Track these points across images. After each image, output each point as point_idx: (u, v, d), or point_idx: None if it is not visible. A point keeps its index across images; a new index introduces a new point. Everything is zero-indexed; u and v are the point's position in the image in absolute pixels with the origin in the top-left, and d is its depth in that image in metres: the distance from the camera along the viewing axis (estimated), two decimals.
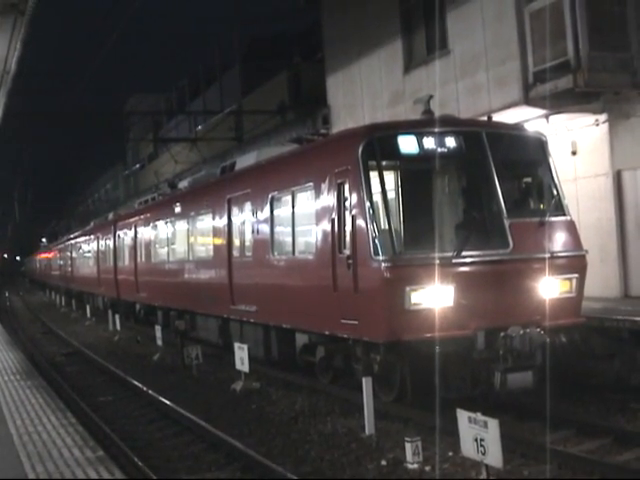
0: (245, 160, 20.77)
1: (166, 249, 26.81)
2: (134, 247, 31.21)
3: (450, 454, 11.06)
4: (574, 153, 20.02)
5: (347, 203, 13.62)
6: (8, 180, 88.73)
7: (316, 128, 30.86)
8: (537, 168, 14.51)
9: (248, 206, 18.48)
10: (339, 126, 27.42)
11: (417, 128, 13.72)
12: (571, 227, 13.99)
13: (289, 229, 16.51)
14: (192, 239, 23.89)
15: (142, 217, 30.75)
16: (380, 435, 12.45)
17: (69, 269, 55.40)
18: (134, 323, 33.07)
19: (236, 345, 17.32)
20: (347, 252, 13.47)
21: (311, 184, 15.15)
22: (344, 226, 13.71)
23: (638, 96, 18.97)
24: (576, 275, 13.54)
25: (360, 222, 13.08)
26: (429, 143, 13.37)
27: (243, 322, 19.12)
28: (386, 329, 12.64)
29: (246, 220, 18.68)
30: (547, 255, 13.11)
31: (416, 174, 14.29)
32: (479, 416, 9.47)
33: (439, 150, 13.37)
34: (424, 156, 13.44)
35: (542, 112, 19.35)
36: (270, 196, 17.16)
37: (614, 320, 15.16)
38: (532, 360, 12.71)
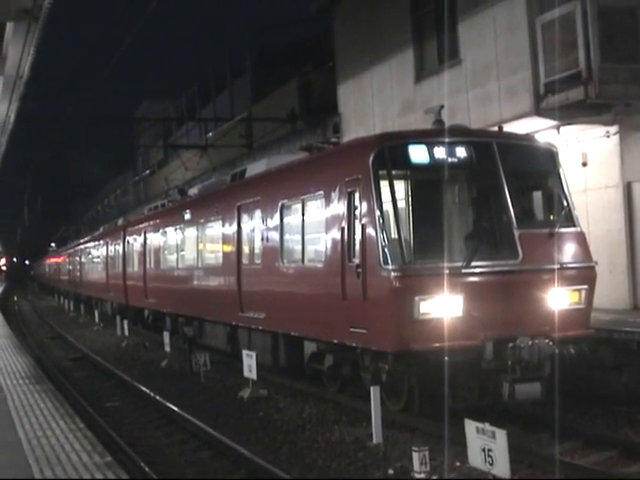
0: (255, 167, 20.79)
1: (175, 255, 26.85)
2: (143, 253, 31.25)
3: (457, 464, 11.04)
4: (584, 164, 20.03)
5: (357, 212, 13.62)
6: (18, 184, 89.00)
7: (326, 136, 30.88)
8: (547, 179, 14.52)
9: (258, 214, 18.50)
10: (350, 135, 27.45)
11: (428, 138, 13.72)
12: (581, 238, 13.97)
13: (299, 237, 16.52)
14: (201, 246, 23.92)
15: (152, 223, 30.80)
16: (387, 444, 12.43)
17: (78, 274, 55.51)
18: (142, 329, 33.10)
19: (244, 352, 17.33)
20: (356, 261, 13.47)
21: (321, 192, 15.17)
22: (354, 235, 13.71)
23: None
24: (585, 286, 13.52)
25: (370, 231, 13.09)
26: (440, 153, 13.38)
27: (251, 329, 19.13)
28: (395, 338, 12.64)
29: (256, 228, 18.71)
30: (556, 266, 13.09)
31: (426, 184, 14.32)
32: (487, 426, 9.45)
33: (449, 160, 13.38)
34: (434, 166, 13.45)
35: (553, 123, 19.35)
36: (280, 204, 17.18)
37: (623, 332, 15.17)
38: (540, 371, 12.67)
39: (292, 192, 16.88)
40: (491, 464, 9.35)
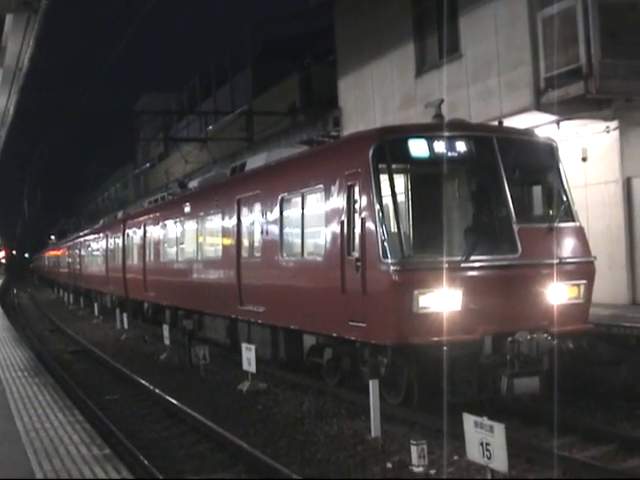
0: (255, 161, 20.79)
1: (175, 249, 26.84)
2: (143, 246, 31.23)
3: (455, 458, 11.06)
4: (584, 159, 20.03)
5: (357, 205, 13.62)
6: (18, 177, 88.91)
7: (327, 130, 30.89)
8: (547, 174, 14.52)
9: (258, 207, 18.50)
10: (350, 129, 27.44)
11: (428, 132, 13.72)
12: (580, 233, 13.98)
13: (298, 230, 16.52)
14: (201, 239, 23.91)
15: (151, 216, 30.78)
16: (386, 438, 12.45)
17: (77, 267, 55.50)
18: (142, 322, 33.11)
19: (244, 345, 17.34)
20: (356, 254, 13.48)
21: (321, 186, 15.17)
22: (353, 228, 13.72)
23: None
24: (584, 281, 13.54)
25: (369, 225, 13.10)
26: (439, 147, 13.38)
27: (251, 323, 19.14)
28: (394, 332, 12.65)
29: (255, 221, 18.70)
30: (555, 261, 13.11)
31: (426, 178, 14.33)
32: (485, 420, 9.46)
33: (449, 154, 13.38)
34: (434, 160, 13.43)
35: (553, 118, 19.35)
36: (280, 197, 17.18)
37: (622, 327, 15.18)
38: (539, 365, 12.70)
39: (292, 185, 16.87)
40: (489, 458, 9.37)
